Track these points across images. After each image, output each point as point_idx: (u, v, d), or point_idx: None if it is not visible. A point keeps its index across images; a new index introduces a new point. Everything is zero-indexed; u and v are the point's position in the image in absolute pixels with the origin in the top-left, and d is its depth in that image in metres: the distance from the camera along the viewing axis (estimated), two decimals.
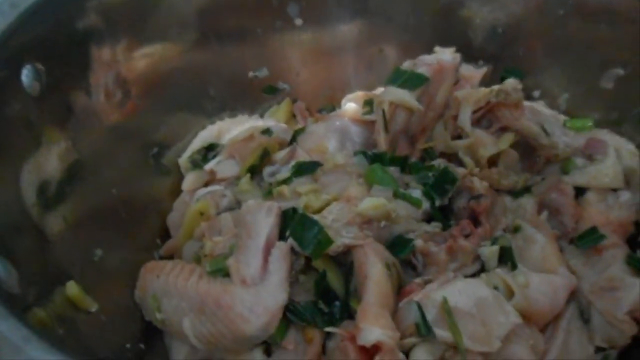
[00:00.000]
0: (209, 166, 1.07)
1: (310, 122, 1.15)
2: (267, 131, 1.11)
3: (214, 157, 1.10)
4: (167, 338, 0.93)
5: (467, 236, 0.93)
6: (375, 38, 1.26)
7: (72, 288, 0.80)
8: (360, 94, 1.13)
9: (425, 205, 0.95)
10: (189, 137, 1.14)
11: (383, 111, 1.02)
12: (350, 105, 1.11)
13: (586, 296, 0.92)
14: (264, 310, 0.81)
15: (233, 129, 1.13)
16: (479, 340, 0.81)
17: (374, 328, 0.76)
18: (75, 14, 0.92)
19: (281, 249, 0.86)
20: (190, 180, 1.09)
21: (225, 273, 0.86)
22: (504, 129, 1.03)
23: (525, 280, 0.89)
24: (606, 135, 1.06)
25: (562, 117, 1.12)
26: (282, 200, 0.94)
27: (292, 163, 1.02)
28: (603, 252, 0.94)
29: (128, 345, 0.87)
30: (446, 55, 1.08)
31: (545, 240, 0.95)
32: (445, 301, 0.82)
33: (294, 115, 1.24)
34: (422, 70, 1.05)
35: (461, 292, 0.84)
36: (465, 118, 1.02)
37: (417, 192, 0.96)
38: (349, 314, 0.87)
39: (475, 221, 0.95)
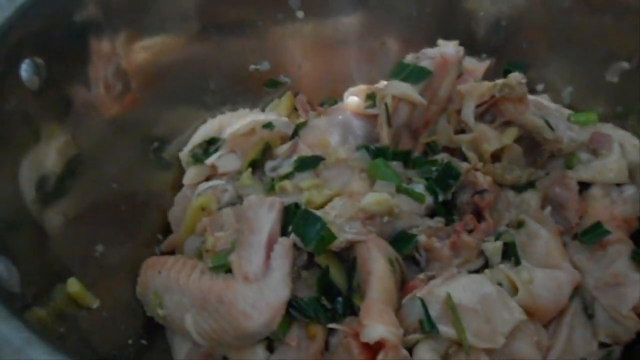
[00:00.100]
0: (210, 160, 1.07)
1: (312, 116, 1.14)
2: (268, 125, 1.10)
3: (215, 151, 1.09)
4: (169, 334, 0.93)
5: (470, 231, 0.92)
6: (378, 30, 1.25)
7: (73, 285, 0.80)
8: (362, 88, 1.12)
9: (429, 200, 0.94)
10: (189, 131, 1.13)
11: (386, 105, 1.01)
12: (353, 99, 1.10)
13: (590, 292, 0.92)
14: (267, 307, 0.80)
15: (234, 122, 1.12)
16: (483, 337, 0.80)
17: (377, 325, 0.75)
18: (74, 7, 0.91)
19: (283, 245, 0.85)
20: (191, 174, 1.08)
21: (227, 269, 0.85)
22: (507, 123, 1.02)
23: (529, 276, 0.88)
24: (611, 130, 1.06)
25: (566, 111, 1.11)
26: (284, 195, 0.93)
27: (294, 157, 1.01)
28: (607, 248, 0.94)
29: (130, 342, 0.87)
30: (449, 48, 1.07)
31: (549, 235, 0.94)
32: (449, 297, 0.81)
33: (295, 109, 1.23)
34: (425, 63, 1.04)
35: (465, 289, 0.83)
36: (468, 112, 1.01)
37: (420, 187, 0.95)
38: (352, 310, 0.87)
39: (479, 216, 0.95)
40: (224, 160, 1.06)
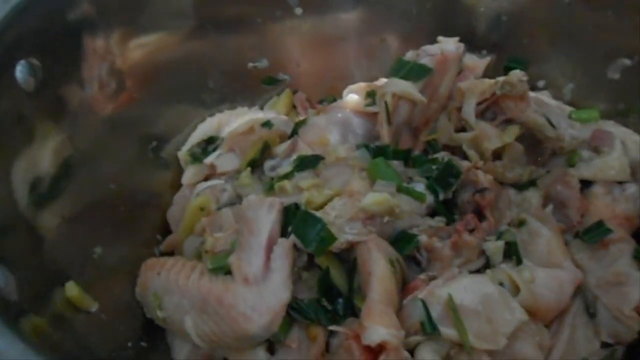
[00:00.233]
0: (208, 160, 1.06)
1: (312, 114, 1.13)
2: (267, 124, 1.09)
3: (214, 150, 1.08)
4: (169, 336, 0.93)
5: (471, 231, 0.91)
6: (377, 27, 1.24)
7: (71, 289, 0.79)
8: (362, 85, 1.11)
9: (429, 199, 0.93)
10: (188, 129, 1.13)
11: (386, 103, 1.01)
12: (352, 97, 1.09)
13: (592, 291, 0.91)
14: (267, 309, 0.80)
15: (233, 121, 1.12)
16: (485, 338, 0.80)
17: (378, 327, 0.75)
18: (69, 6, 0.90)
19: (283, 246, 0.84)
20: (190, 174, 1.08)
21: (227, 270, 0.85)
22: (508, 121, 1.01)
23: (530, 275, 0.88)
24: (612, 127, 1.05)
25: (568, 108, 1.10)
26: (284, 195, 0.93)
27: (294, 157, 1.01)
28: (609, 246, 0.93)
29: (130, 344, 0.87)
30: (450, 45, 1.06)
31: (550, 234, 0.93)
32: (450, 298, 0.81)
33: (294, 107, 1.22)
34: (425, 61, 1.03)
35: (466, 289, 0.83)
36: (469, 110, 1.00)
37: (420, 186, 0.94)
38: (353, 311, 0.86)
39: (480, 215, 0.94)
40: (222, 160, 1.05)
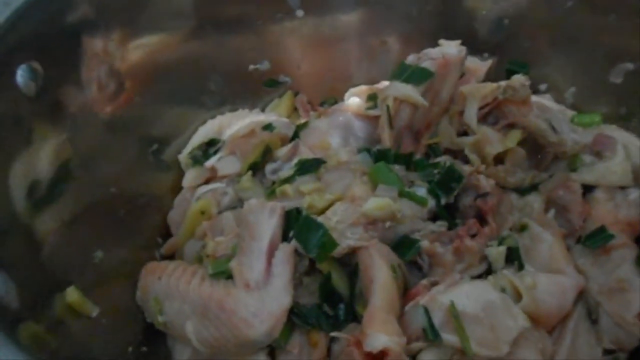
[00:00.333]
0: (209, 163, 1.05)
1: (313, 117, 1.13)
2: (268, 126, 1.09)
3: (215, 153, 1.08)
4: (170, 340, 0.92)
5: (473, 236, 0.91)
6: (378, 29, 1.23)
7: (72, 294, 0.79)
8: (363, 88, 1.11)
9: (431, 203, 0.93)
10: (188, 132, 1.12)
11: (387, 107, 1.00)
12: (354, 100, 1.09)
13: (594, 297, 0.91)
14: (268, 315, 0.80)
15: (234, 123, 1.11)
16: (487, 345, 0.79)
17: (380, 334, 0.74)
18: (68, 8, 0.90)
19: (285, 251, 0.84)
20: (190, 177, 1.07)
21: (228, 275, 0.84)
22: (510, 126, 1.00)
23: (532, 281, 0.87)
24: (614, 132, 1.04)
25: (569, 112, 1.10)
26: (285, 199, 0.92)
27: (295, 160, 1.00)
28: (612, 252, 0.92)
29: (130, 349, 0.86)
30: (451, 48, 1.05)
31: (552, 239, 0.93)
32: (452, 305, 0.80)
33: (295, 109, 1.22)
34: (426, 64, 1.02)
35: (468, 296, 0.82)
36: (471, 114, 0.99)
37: (422, 191, 0.94)
38: (354, 316, 0.86)
39: (482, 220, 0.94)
40: (223, 163, 1.05)
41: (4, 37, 0.78)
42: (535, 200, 0.98)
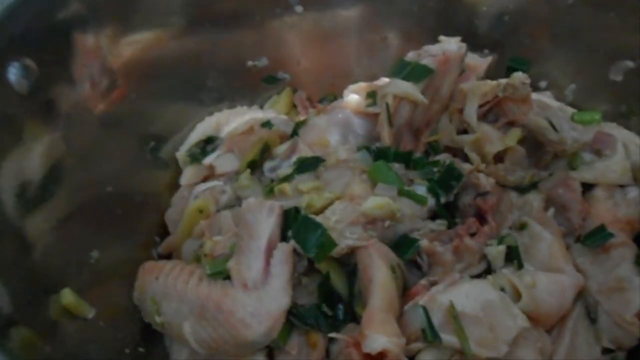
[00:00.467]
0: (207, 160, 1.05)
1: (312, 114, 1.12)
2: (267, 124, 1.08)
3: (213, 150, 1.07)
4: (168, 339, 0.92)
5: (473, 235, 0.91)
6: (378, 25, 1.22)
7: (67, 296, 0.78)
8: (362, 85, 1.09)
9: (430, 202, 0.93)
10: (186, 129, 1.11)
11: (387, 105, 1.00)
12: (353, 97, 1.08)
13: (593, 296, 0.91)
14: (267, 316, 0.79)
15: (232, 120, 1.10)
16: (486, 345, 0.79)
17: (379, 335, 0.74)
18: (61, 5, 0.88)
19: (283, 251, 0.84)
20: (188, 174, 1.06)
21: (226, 275, 0.84)
22: (510, 124, 1.00)
23: (532, 280, 0.87)
24: (614, 130, 1.04)
25: (569, 110, 1.09)
26: (284, 198, 0.92)
27: (294, 158, 1.00)
28: (611, 251, 0.92)
29: (127, 350, 0.86)
30: (452, 45, 1.05)
31: (552, 237, 0.93)
32: (451, 305, 0.80)
33: (294, 106, 1.21)
34: (426, 61, 1.02)
35: (468, 295, 0.82)
36: (471, 112, 0.99)
37: (421, 189, 0.94)
38: (353, 316, 0.86)
39: (481, 219, 0.93)
40: (221, 160, 1.04)
41: None
42: (534, 199, 0.98)
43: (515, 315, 0.82)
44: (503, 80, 0.98)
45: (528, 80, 0.97)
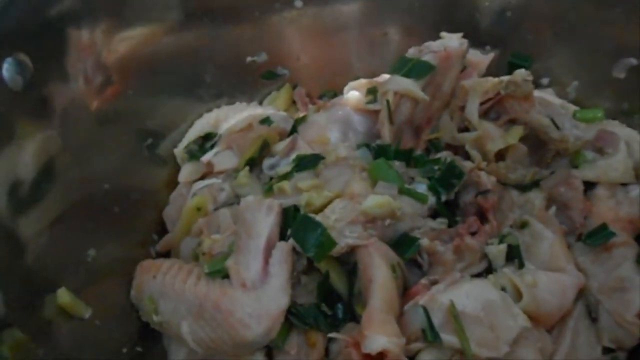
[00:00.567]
0: (206, 158, 1.04)
1: (312, 110, 1.11)
2: (266, 120, 1.07)
3: (212, 147, 1.06)
4: (166, 338, 0.91)
5: (473, 233, 0.90)
6: (379, 20, 1.21)
7: (63, 296, 0.77)
8: (363, 82, 1.08)
9: (431, 200, 0.92)
10: (184, 125, 1.10)
11: (387, 102, 0.99)
12: (353, 94, 1.07)
13: (595, 295, 0.90)
14: (266, 316, 0.79)
15: (231, 117, 1.09)
16: (487, 346, 0.79)
17: (379, 336, 0.74)
18: (55, 0, 0.86)
19: (282, 250, 0.83)
20: (187, 171, 1.05)
21: (224, 274, 0.83)
22: (512, 121, 0.99)
23: (533, 279, 0.87)
24: (617, 128, 1.03)
25: (572, 107, 1.08)
26: (283, 196, 0.91)
27: (293, 156, 0.99)
28: (612, 250, 0.92)
29: (125, 350, 0.85)
30: (453, 41, 1.03)
31: (553, 236, 0.92)
32: (452, 305, 0.79)
33: (294, 102, 1.20)
34: (428, 57, 1.01)
35: (468, 295, 0.81)
36: (472, 110, 0.98)
37: (422, 187, 0.93)
38: (353, 316, 0.85)
39: (482, 217, 0.93)
40: (220, 158, 1.03)
41: None
42: (536, 197, 0.97)
43: (516, 315, 0.82)
44: (505, 78, 0.97)
45: (530, 78, 0.96)
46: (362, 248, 0.84)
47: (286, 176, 0.94)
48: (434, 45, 1.03)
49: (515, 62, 1.12)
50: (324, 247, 0.82)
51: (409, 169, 0.96)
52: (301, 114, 1.13)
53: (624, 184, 0.99)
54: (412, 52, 1.03)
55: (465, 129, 1.00)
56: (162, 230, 1.03)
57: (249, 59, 1.16)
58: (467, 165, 0.95)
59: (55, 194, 0.83)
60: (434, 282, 0.85)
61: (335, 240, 0.83)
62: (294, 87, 1.21)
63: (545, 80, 1.15)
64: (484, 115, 1.00)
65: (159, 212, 1.04)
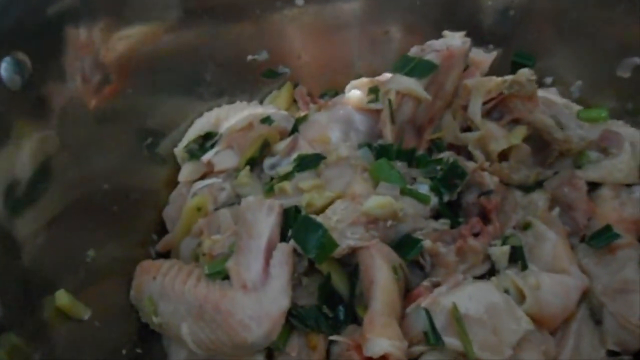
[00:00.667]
0: (206, 157, 1.03)
1: (313, 109, 1.10)
2: (267, 119, 1.06)
3: (212, 146, 1.05)
4: (166, 340, 0.91)
5: (476, 235, 0.89)
6: (381, 18, 1.20)
7: (62, 297, 0.76)
8: (364, 81, 1.08)
9: (433, 201, 0.91)
10: (184, 125, 1.09)
11: (389, 101, 0.98)
12: (355, 93, 1.06)
13: (598, 297, 0.89)
14: (266, 318, 0.78)
15: (231, 116, 1.08)
16: (490, 349, 0.78)
17: (380, 339, 0.73)
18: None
19: (283, 251, 0.82)
20: (187, 171, 1.05)
21: (224, 276, 0.82)
22: (515, 121, 0.98)
23: (536, 281, 0.86)
24: (621, 128, 1.03)
25: (575, 107, 1.08)
26: (284, 197, 0.90)
27: (294, 155, 0.98)
28: (617, 252, 0.91)
29: (124, 351, 0.84)
30: (456, 40, 1.03)
31: (556, 237, 0.91)
32: (455, 308, 0.79)
33: (295, 101, 1.19)
34: (430, 57, 1.00)
35: (471, 298, 0.81)
36: (475, 109, 0.97)
37: (424, 188, 0.92)
38: (354, 318, 0.84)
39: (485, 218, 0.92)
40: (220, 157, 1.02)
41: None
42: (539, 198, 0.96)
43: (519, 318, 0.81)
44: (509, 77, 0.97)
45: (534, 77, 0.95)
46: (364, 249, 0.83)
47: (287, 176, 0.93)
48: (436, 44, 1.02)
49: (518, 61, 1.11)
50: (325, 249, 0.81)
51: (411, 169, 0.95)
52: (302, 113, 1.12)
53: (628, 185, 0.98)
54: (414, 50, 1.02)
55: (468, 129, 1.00)
56: (162, 230, 1.02)
57: (249, 57, 1.15)
58: (469, 165, 0.94)
59: (53, 194, 0.82)
60: (436, 284, 0.84)
61: (336, 241, 0.82)
62: (295, 85, 1.20)
63: (548, 80, 1.14)
64: (487, 115, 0.99)
65: (159, 212, 1.03)
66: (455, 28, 1.05)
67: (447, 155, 0.96)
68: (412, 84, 0.98)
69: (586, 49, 1.09)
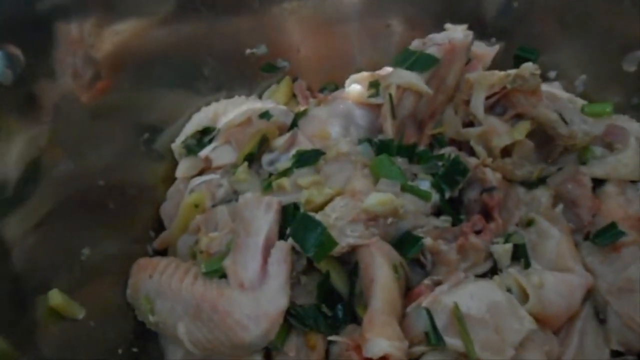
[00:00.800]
0: (204, 153, 1.01)
1: (312, 104, 1.09)
2: (265, 114, 1.04)
3: (210, 141, 1.04)
4: (162, 339, 0.89)
5: (478, 232, 0.88)
6: (381, 11, 1.18)
7: (55, 297, 0.75)
8: (365, 75, 1.06)
9: (435, 197, 0.90)
10: (182, 120, 1.08)
11: (390, 95, 0.97)
12: (355, 87, 1.04)
13: (603, 296, 0.88)
14: (264, 317, 0.77)
15: (229, 111, 1.07)
16: (492, 349, 0.77)
17: (380, 339, 0.72)
18: None
19: (281, 249, 0.81)
20: (184, 167, 1.03)
21: (222, 274, 0.81)
22: (519, 116, 0.97)
23: (539, 279, 0.84)
24: (626, 123, 1.01)
25: (580, 101, 1.06)
26: (282, 193, 0.89)
27: (293, 151, 0.97)
28: (622, 250, 0.89)
29: (120, 351, 0.83)
30: (458, 33, 1.02)
31: (560, 235, 0.90)
32: (456, 307, 0.77)
33: (294, 95, 1.17)
34: (432, 50, 0.99)
35: (473, 297, 0.79)
36: (477, 104, 0.96)
37: (425, 184, 0.90)
38: (354, 317, 0.83)
39: (487, 215, 0.90)
40: (218, 153, 1.01)
41: None
42: (543, 195, 0.95)
43: (522, 318, 0.80)
44: (512, 71, 0.95)
45: (538, 71, 0.93)
46: (364, 247, 0.82)
47: (286, 172, 0.92)
48: (438, 37, 1.01)
49: (521, 55, 1.10)
50: (324, 247, 0.80)
51: (412, 165, 0.94)
52: (301, 108, 1.11)
53: (633, 181, 0.96)
54: (415, 44, 1.01)
55: (470, 124, 0.98)
56: (159, 227, 1.01)
57: (248, 51, 1.14)
58: (472, 161, 0.93)
59: (46, 191, 0.81)
60: (438, 283, 0.83)
61: (335, 239, 0.81)
62: (294, 80, 1.18)
63: (552, 74, 1.12)
64: (490, 109, 0.98)
65: (156, 209, 1.02)
66: (457, 21, 1.04)
67: (449, 151, 0.95)
68: (413, 78, 0.96)
69: (591, 42, 1.07)
